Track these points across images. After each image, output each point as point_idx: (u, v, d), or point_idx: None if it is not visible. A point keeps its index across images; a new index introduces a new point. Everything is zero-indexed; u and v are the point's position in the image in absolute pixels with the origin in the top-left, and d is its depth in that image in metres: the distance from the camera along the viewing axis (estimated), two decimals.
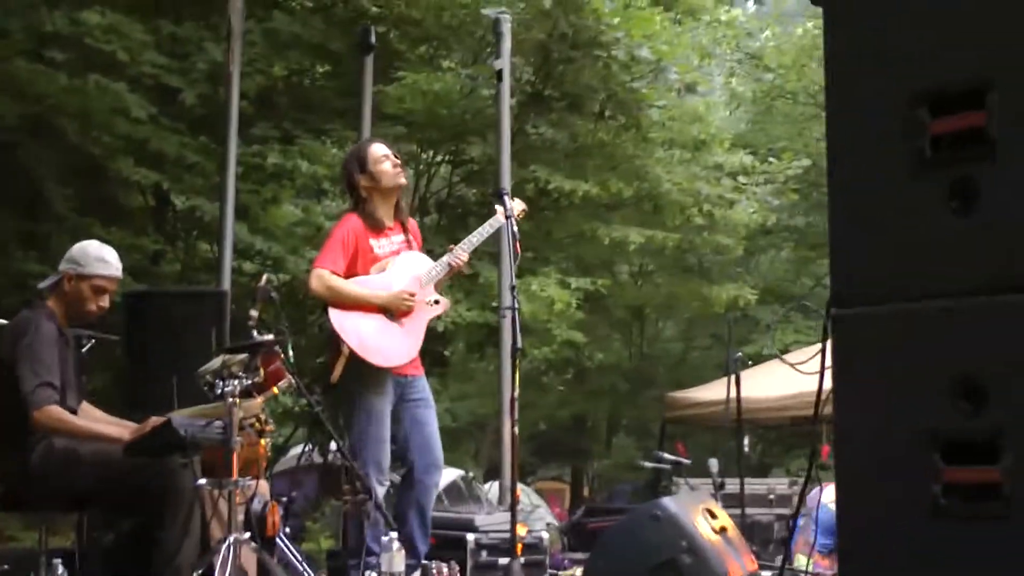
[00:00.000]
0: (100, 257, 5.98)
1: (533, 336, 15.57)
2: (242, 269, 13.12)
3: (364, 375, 6.95)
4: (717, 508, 6.60)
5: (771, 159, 18.79)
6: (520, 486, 9.67)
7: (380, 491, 6.95)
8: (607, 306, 20.41)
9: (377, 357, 6.94)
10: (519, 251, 7.12)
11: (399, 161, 7.26)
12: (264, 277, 6.75)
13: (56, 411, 5.61)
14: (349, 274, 7.04)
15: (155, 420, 5.66)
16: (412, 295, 7.05)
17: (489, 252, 13.21)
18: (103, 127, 12.58)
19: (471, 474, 26.30)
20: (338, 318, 6.95)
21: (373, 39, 11.29)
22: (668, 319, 27.19)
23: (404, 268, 7.17)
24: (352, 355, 6.90)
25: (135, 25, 12.84)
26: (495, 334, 14.76)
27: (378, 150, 7.25)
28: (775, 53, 24.47)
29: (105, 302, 6.03)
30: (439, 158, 16.47)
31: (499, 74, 10.87)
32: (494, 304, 12.95)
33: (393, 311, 7.03)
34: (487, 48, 14.95)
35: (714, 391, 15.49)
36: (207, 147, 13.15)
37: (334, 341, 6.96)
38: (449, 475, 19.14)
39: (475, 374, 23.06)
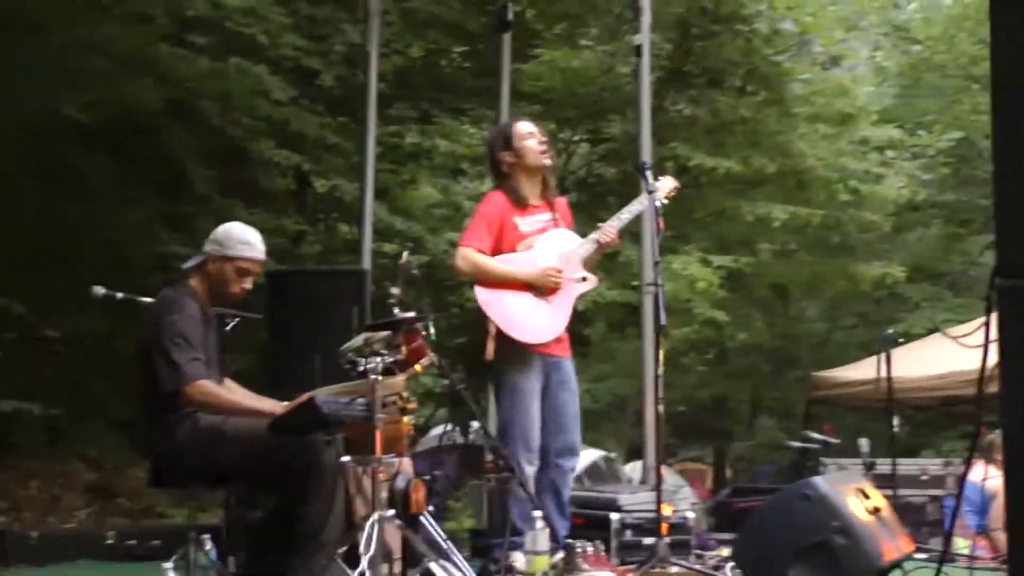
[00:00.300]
0: (244, 240, 5.96)
1: (674, 316, 15.36)
2: (382, 250, 13.15)
3: (511, 353, 6.88)
4: (870, 488, 6.39)
5: (920, 132, 18.32)
6: (663, 467, 9.53)
7: (529, 470, 6.89)
8: (749, 285, 20.09)
9: (523, 334, 6.86)
10: (662, 227, 6.97)
11: (545, 140, 7.14)
12: (404, 255, 6.68)
13: (208, 385, 5.63)
14: (495, 252, 6.96)
15: (306, 396, 5.61)
16: (559, 271, 6.95)
17: (630, 231, 13.03)
18: (243, 109, 12.68)
19: (612, 454, 26.27)
20: (484, 296, 6.90)
21: (510, 17, 11.16)
22: (812, 298, 26.68)
23: (551, 245, 7.06)
24: (499, 333, 6.84)
25: (274, 8, 12.89)
26: (636, 313, 14.60)
27: (524, 127, 7.14)
28: (923, 25, 23.90)
29: (248, 284, 6.01)
30: (577, 137, 16.33)
31: (638, 49, 10.66)
32: (634, 283, 12.79)
33: (540, 288, 6.93)
34: (625, 24, 14.79)
35: (861, 370, 15.12)
36: (346, 127, 13.17)
37: (481, 320, 6.91)
38: (590, 456, 19.09)
39: (616, 354, 22.86)
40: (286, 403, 5.68)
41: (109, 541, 8.21)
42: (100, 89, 12.21)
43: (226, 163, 13.69)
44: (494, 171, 7.24)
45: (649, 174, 7.08)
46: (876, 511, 6.16)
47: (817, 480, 6.05)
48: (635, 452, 30.02)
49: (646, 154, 10.36)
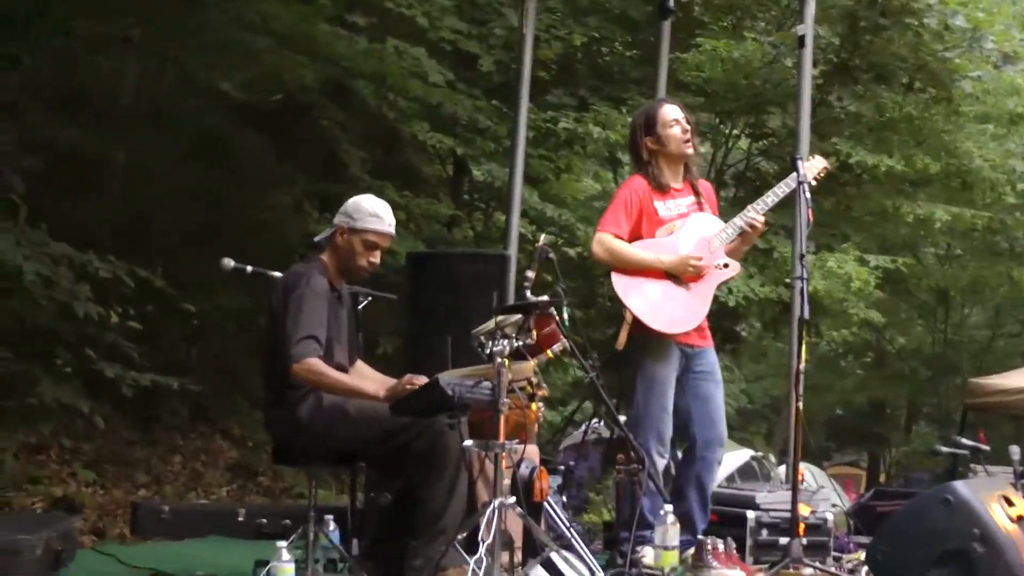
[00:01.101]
0: (374, 212, 5.86)
1: (831, 316, 15.04)
2: (532, 236, 13.04)
3: (647, 342, 6.73)
4: (1016, 496, 6.08)
5: None
6: (806, 466, 9.30)
7: (660, 463, 6.74)
8: (909, 289, 19.64)
9: (660, 323, 6.70)
10: (812, 218, 6.75)
11: (689, 128, 6.93)
12: (543, 237, 6.55)
13: (313, 364, 5.52)
14: (634, 237, 6.80)
15: (409, 377, 5.52)
16: (699, 259, 6.75)
17: (784, 226, 12.77)
18: (399, 90, 12.62)
19: (764, 454, 25.93)
20: (621, 283, 6.74)
21: (671, 4, 10.95)
22: (975, 304, 26.07)
23: (693, 230, 6.87)
24: (635, 321, 6.67)
25: None
26: (789, 311, 14.34)
27: (669, 113, 6.94)
28: None
29: (376, 258, 5.91)
30: (736, 130, 16.03)
31: (801, 39, 10.38)
32: (787, 280, 12.52)
33: (679, 275, 6.75)
34: (791, 17, 14.51)
35: (1021, 378, 14.75)
36: (499, 111, 13.08)
37: (618, 308, 6.77)
38: (742, 456, 18.80)
39: (769, 352, 22.52)
40: (393, 382, 5.59)
41: (240, 518, 8.21)
42: (258, 67, 12.32)
43: (380, 145, 13.71)
44: (634, 154, 7.07)
45: (801, 165, 6.82)
46: (1020, 520, 5.87)
47: (958, 484, 5.77)
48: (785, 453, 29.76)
49: (804, 147, 10.11)
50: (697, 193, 7.02)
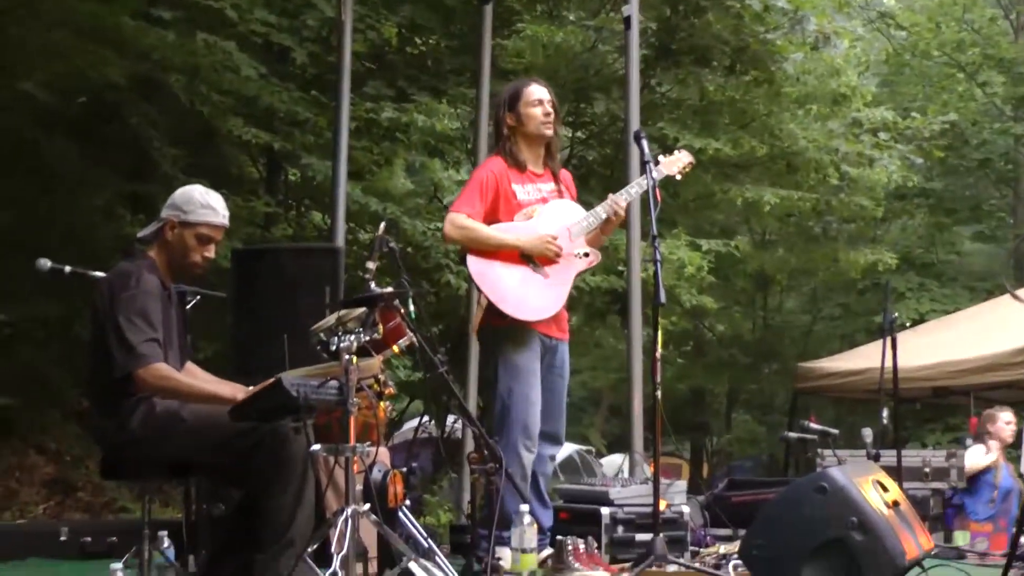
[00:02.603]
0: (206, 203, 5.43)
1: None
2: (356, 238, 12.66)
3: (508, 330, 6.49)
4: (888, 479, 5.89)
5: (914, 114, 17.83)
6: (638, 458, 9.13)
7: (528, 457, 6.48)
8: (728, 275, 19.67)
9: (518, 310, 6.44)
10: (659, 199, 6.49)
11: (551, 112, 6.71)
12: (382, 226, 6.16)
13: (163, 369, 5.12)
14: (490, 221, 6.54)
15: (271, 381, 5.11)
16: (555, 237, 6.49)
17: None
18: (211, 84, 12.14)
19: (590, 448, 25.93)
20: (477, 266, 6.49)
21: None
22: (793, 289, 26.42)
23: (553, 216, 6.64)
24: (493, 309, 6.42)
25: None
26: (620, 300, 14.17)
27: (534, 92, 6.72)
28: (907, 12, 23.67)
29: (211, 252, 5.50)
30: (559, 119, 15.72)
31: (627, 20, 10.12)
32: (620, 268, 12.30)
33: (536, 259, 6.46)
34: (609, 3, 14.34)
35: (850, 360, 14.88)
36: (319, 102, 12.68)
37: (473, 292, 6.50)
38: (565, 450, 18.72)
39: (592, 346, 22.41)
40: (251, 388, 5.18)
41: (63, 538, 7.74)
42: (61, 64, 11.75)
43: (193, 142, 13.22)
44: (496, 131, 6.85)
45: (645, 143, 6.60)
46: (895, 505, 5.66)
47: (833, 471, 5.52)
48: (612, 447, 29.85)
49: (634, 127, 9.88)
50: (557, 180, 6.80)
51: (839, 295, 24.44)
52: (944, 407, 17.89)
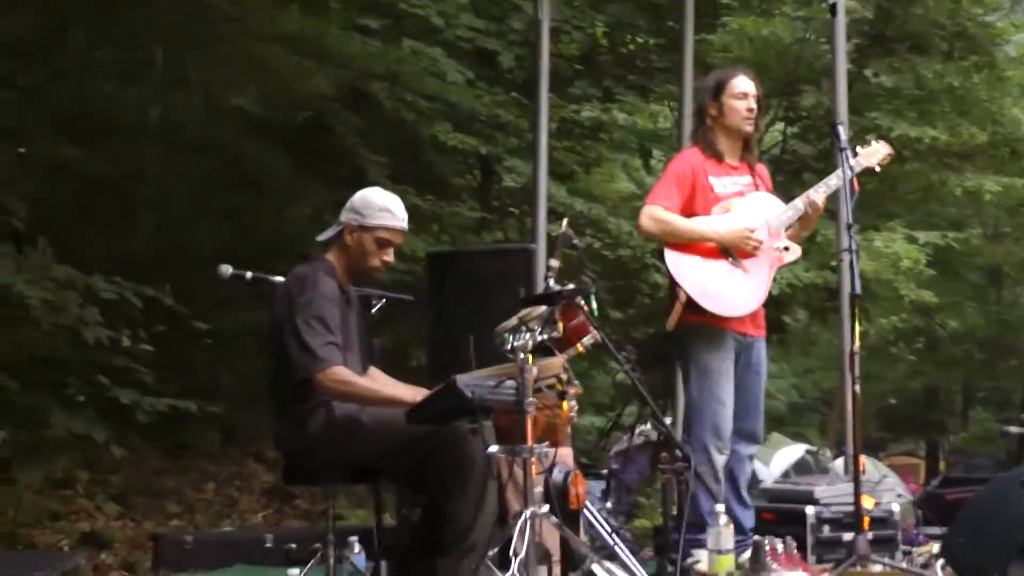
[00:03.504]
0: (384, 206, 5.40)
1: (880, 301, 14.51)
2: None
3: (700, 329, 6.37)
4: None
5: None
6: (864, 457, 8.84)
7: (719, 459, 6.35)
8: (958, 269, 19.03)
9: (718, 305, 6.31)
10: (857, 187, 6.26)
11: (755, 107, 6.55)
12: (564, 222, 6.06)
13: (343, 372, 5.09)
14: (687, 214, 6.40)
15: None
16: (753, 230, 6.33)
17: (828, 208, 12.24)
18: (417, 91, 12.22)
19: (818, 448, 25.41)
20: (675, 260, 6.35)
21: None
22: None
23: (751, 210, 6.47)
24: (689, 303, 6.27)
25: None
26: (836, 297, 13.77)
27: (740, 84, 6.56)
28: None
29: (390, 256, 5.46)
30: (770, 113, 15.47)
31: (832, 8, 9.81)
32: (833, 264, 11.96)
33: (735, 253, 6.31)
34: None
35: None
36: (520, 104, 12.71)
37: (671, 286, 6.39)
38: (796, 451, 18.41)
39: (819, 343, 21.93)
40: (431, 390, 5.11)
41: (267, 544, 7.83)
42: (271, 77, 12.01)
43: (400, 149, 13.34)
44: (696, 118, 6.73)
45: (842, 131, 6.45)
46: None
47: None
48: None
49: (842, 117, 9.61)
50: (754, 173, 6.64)
51: None
52: None
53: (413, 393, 5.16)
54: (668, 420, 12.88)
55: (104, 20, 11.14)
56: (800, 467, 19.79)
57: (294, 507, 11.45)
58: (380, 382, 5.54)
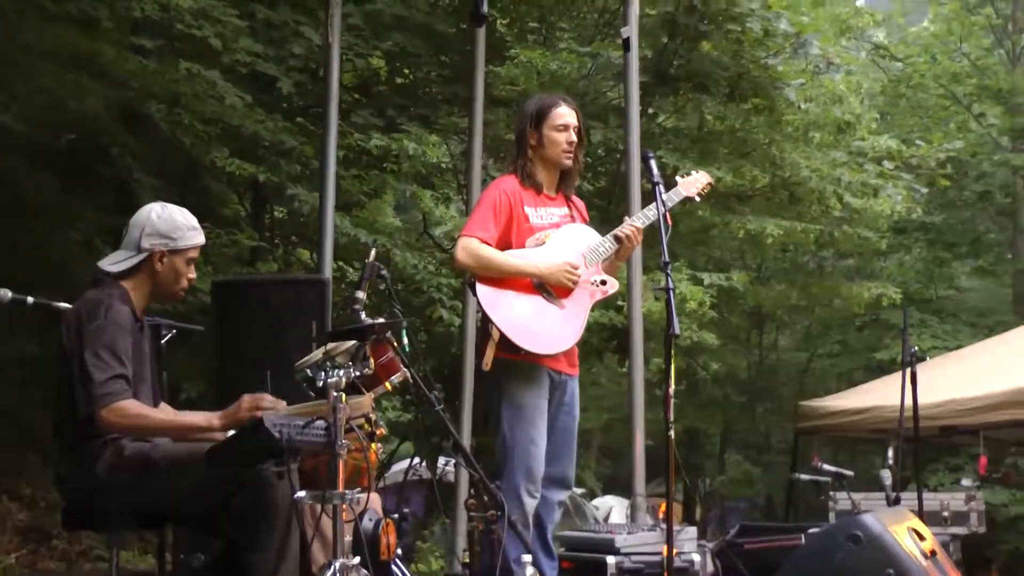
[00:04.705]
0: (192, 225, 5.17)
1: (655, 341, 14.50)
2: (344, 275, 12.22)
3: (514, 365, 6.05)
4: (922, 527, 5.44)
5: (918, 142, 17.42)
6: (619, 500, 8.72)
7: (530, 503, 6.03)
8: (723, 312, 19.23)
9: (532, 342, 6.01)
10: (670, 222, 6.07)
11: (575, 140, 6.29)
12: (372, 252, 5.72)
13: (128, 406, 4.70)
14: (502, 245, 6.12)
15: (252, 399, 4.76)
16: (575, 268, 6.08)
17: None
18: (194, 113, 11.76)
19: (580, 491, 25.45)
20: (488, 295, 6.03)
21: (485, 8, 10.15)
22: (787, 327, 26.00)
23: (566, 242, 6.22)
24: (503, 340, 5.96)
25: (228, 10, 11.96)
26: (617, 336, 13.70)
27: (562, 116, 6.30)
28: (901, 44, 23.45)
29: (194, 274, 5.20)
30: None
31: (626, 42, 9.69)
32: (619, 303, 11.85)
33: (551, 288, 6.06)
34: (604, 27, 13.98)
35: (853, 399, 14.49)
36: (305, 130, 12.36)
37: (483, 323, 6.09)
38: None
39: (587, 385, 21.93)
40: (225, 410, 4.82)
41: None
42: (43, 97, 11.43)
43: (175, 174, 12.85)
44: (515, 145, 6.42)
45: (654, 163, 6.23)
46: (932, 554, 5.22)
47: (867, 519, 5.12)
48: (605, 488, 29.39)
49: (634, 155, 9.53)
50: (570, 205, 6.42)
51: (836, 332, 24.00)
52: (945, 447, 17.44)
53: (207, 418, 4.84)
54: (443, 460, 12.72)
55: None
56: None
57: (51, 548, 10.91)
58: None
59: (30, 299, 6.03)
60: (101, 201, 12.38)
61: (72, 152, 12.58)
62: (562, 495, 6.42)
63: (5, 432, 11.56)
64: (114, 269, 5.07)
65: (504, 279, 6.08)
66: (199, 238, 5.16)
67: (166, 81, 11.70)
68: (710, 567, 8.00)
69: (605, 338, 14.32)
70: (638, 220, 6.32)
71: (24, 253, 11.76)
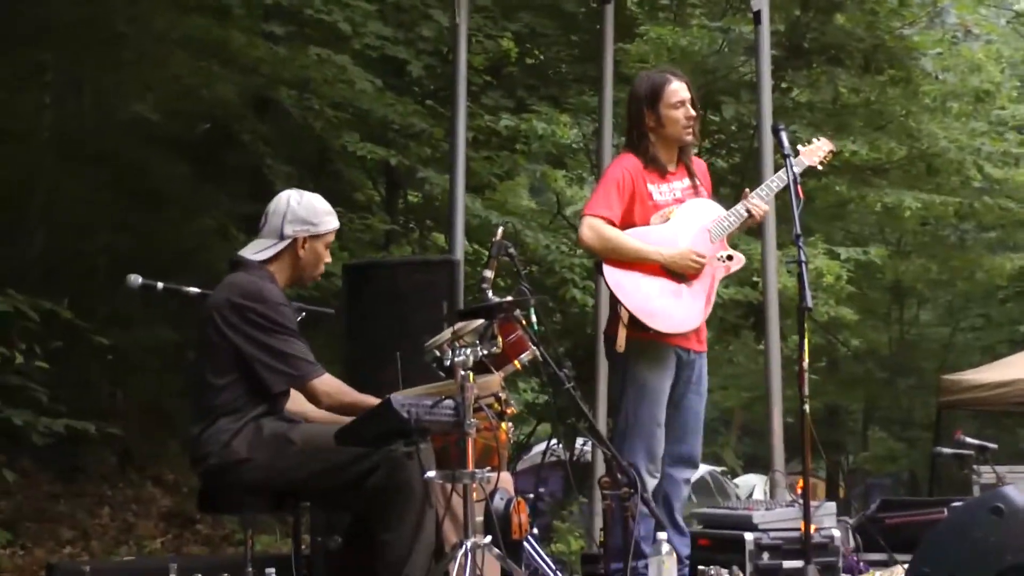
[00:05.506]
0: (328, 210, 5.26)
1: (791, 317, 14.32)
2: (478, 256, 12.25)
3: (641, 345, 5.99)
4: None
5: None
6: (761, 478, 8.62)
7: (651, 483, 5.97)
8: (863, 287, 18.93)
9: (660, 322, 5.96)
10: (802, 194, 5.97)
11: (694, 115, 6.18)
12: (499, 230, 5.71)
13: (333, 379, 4.93)
14: (625, 224, 6.06)
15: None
16: (701, 256, 6.02)
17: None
18: (324, 98, 11.86)
19: (721, 469, 25.30)
20: (615, 276, 5.99)
21: None
22: (926, 302, 25.52)
23: (691, 218, 6.15)
24: (631, 320, 5.92)
25: None
26: (753, 313, 13.53)
27: (677, 92, 6.17)
28: None
29: (329, 258, 5.31)
30: None
31: (757, 15, 9.50)
32: (755, 279, 11.70)
33: (679, 271, 5.98)
34: (736, 1, 13.81)
35: (998, 372, 14.22)
36: (435, 112, 12.48)
37: (613, 305, 6.06)
38: (698, 471, 18.15)
39: (722, 363, 21.73)
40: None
41: (172, 575, 7.33)
42: (175, 85, 11.66)
43: (308, 160, 12.97)
44: (631, 126, 6.30)
45: (784, 135, 6.14)
46: None
47: (1009, 490, 4.94)
48: (747, 467, 29.19)
49: (766, 124, 9.34)
50: (692, 175, 6.30)
51: (979, 305, 23.51)
52: None
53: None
54: (581, 441, 12.69)
55: None
56: (700, 488, 19.61)
57: (195, 532, 11.05)
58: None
59: (160, 284, 6.10)
60: (234, 188, 12.52)
61: (205, 140, 12.80)
62: (689, 473, 6.40)
63: (147, 420, 11.74)
64: (259, 257, 5.12)
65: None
66: (336, 222, 5.24)
67: (296, 67, 11.83)
68: (851, 542, 7.90)
69: (741, 315, 14.18)
70: (762, 193, 6.27)
71: (158, 241, 11.94)
